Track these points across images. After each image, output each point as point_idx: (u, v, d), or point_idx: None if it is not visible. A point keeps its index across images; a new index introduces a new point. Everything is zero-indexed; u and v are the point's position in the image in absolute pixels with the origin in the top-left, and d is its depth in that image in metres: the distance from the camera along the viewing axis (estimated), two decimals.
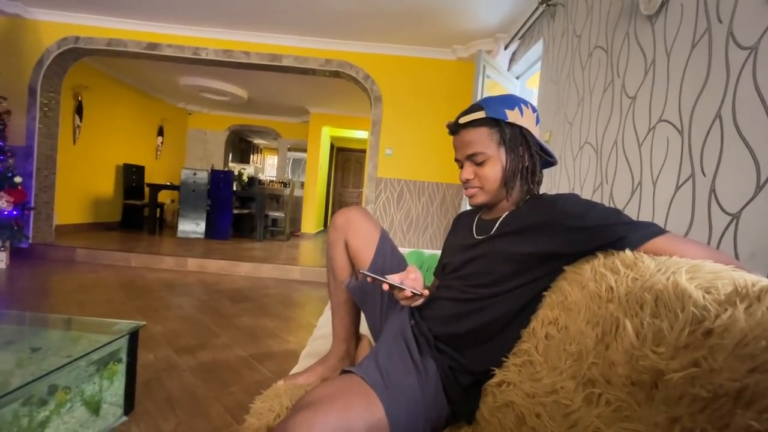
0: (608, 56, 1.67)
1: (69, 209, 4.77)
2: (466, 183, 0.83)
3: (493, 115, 0.78)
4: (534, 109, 0.84)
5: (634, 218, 0.74)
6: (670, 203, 1.21)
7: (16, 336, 1.39)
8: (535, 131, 0.83)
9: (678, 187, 1.18)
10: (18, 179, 3.12)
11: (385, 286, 0.75)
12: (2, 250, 3.17)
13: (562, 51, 2.19)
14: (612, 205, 1.54)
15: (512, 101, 0.81)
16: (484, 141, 0.79)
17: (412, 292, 0.76)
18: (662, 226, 0.67)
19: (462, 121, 0.81)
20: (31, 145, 3.73)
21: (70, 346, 1.28)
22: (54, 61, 3.77)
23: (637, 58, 1.46)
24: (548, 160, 0.86)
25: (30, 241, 3.70)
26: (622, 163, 1.50)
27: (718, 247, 1.02)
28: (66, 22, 3.72)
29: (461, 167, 0.84)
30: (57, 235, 4.14)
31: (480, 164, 0.80)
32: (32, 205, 3.65)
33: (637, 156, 1.41)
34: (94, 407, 1.25)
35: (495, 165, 0.79)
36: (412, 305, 0.81)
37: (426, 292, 0.79)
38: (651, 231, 0.65)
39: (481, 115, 0.78)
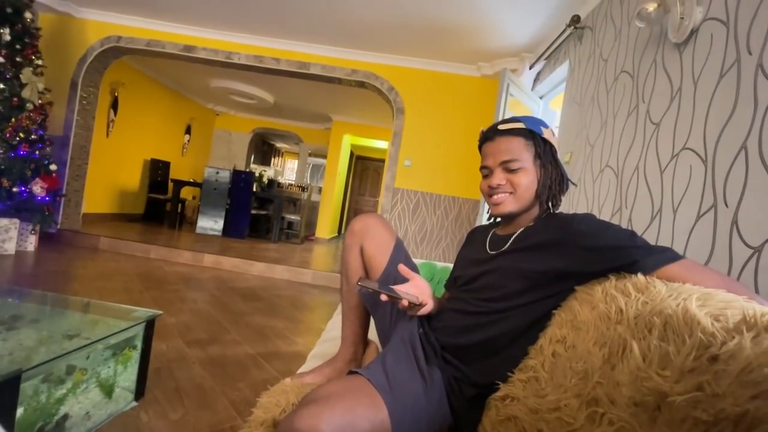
0: (634, 81, 1.67)
1: (96, 198, 4.97)
2: (496, 188, 0.82)
3: (532, 127, 0.81)
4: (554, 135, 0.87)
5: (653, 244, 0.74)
6: (690, 232, 1.20)
7: (40, 315, 1.46)
8: (558, 155, 0.85)
9: (699, 217, 1.17)
10: (53, 167, 3.27)
11: (383, 297, 0.77)
12: (32, 233, 3.32)
13: (588, 73, 2.19)
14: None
15: (545, 123, 0.84)
16: (520, 150, 0.81)
17: (408, 300, 0.77)
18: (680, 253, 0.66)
19: (501, 127, 0.83)
20: (67, 136, 3.92)
21: (89, 329, 1.33)
22: (96, 58, 3.98)
23: (663, 85, 1.46)
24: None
25: (58, 226, 3.86)
26: (642, 188, 1.48)
27: (737, 280, 0.99)
28: (110, 22, 3.93)
29: (489, 174, 0.84)
30: (83, 223, 4.31)
31: (513, 171, 0.80)
32: (63, 192, 3.82)
33: (658, 182, 1.39)
34: (108, 390, 1.30)
35: (529, 175, 0.81)
36: (416, 314, 0.83)
37: (425, 300, 0.80)
38: (666, 256, 0.65)
39: (520, 125, 0.81)
